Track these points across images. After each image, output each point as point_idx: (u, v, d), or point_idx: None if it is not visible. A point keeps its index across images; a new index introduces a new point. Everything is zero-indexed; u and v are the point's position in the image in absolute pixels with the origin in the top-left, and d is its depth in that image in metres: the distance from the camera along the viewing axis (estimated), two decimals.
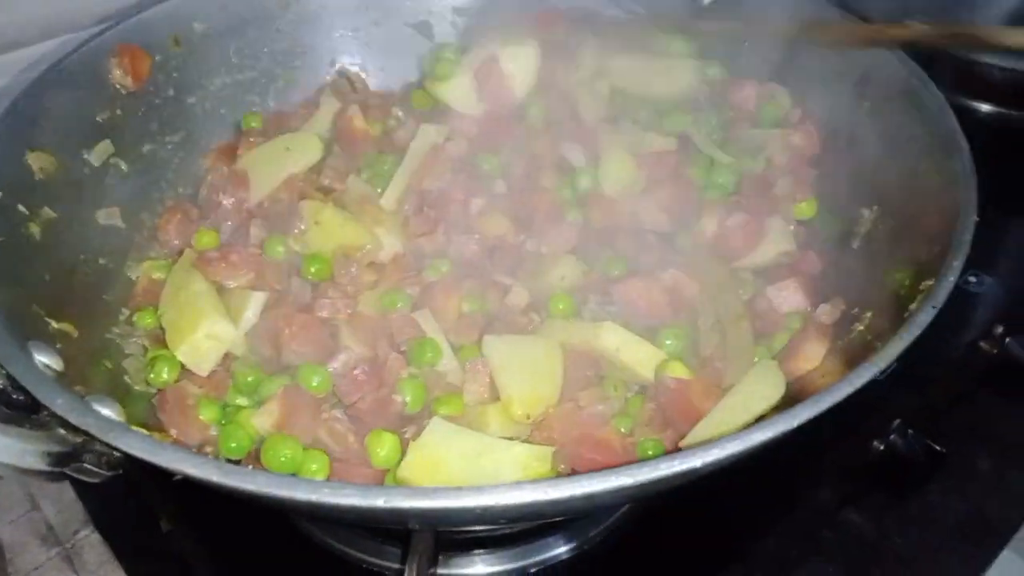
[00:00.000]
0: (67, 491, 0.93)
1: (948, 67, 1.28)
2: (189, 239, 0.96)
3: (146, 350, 0.85)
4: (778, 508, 0.88)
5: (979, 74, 1.31)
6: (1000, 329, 1.02)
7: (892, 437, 0.93)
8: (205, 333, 0.82)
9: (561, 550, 0.85)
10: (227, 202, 0.97)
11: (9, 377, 0.62)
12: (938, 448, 0.92)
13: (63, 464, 0.58)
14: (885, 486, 0.91)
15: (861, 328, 0.78)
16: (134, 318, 0.89)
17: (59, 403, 0.58)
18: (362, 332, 0.83)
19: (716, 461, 0.55)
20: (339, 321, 0.85)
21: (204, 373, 0.83)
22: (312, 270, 0.90)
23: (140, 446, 0.55)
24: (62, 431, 0.58)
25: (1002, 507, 0.88)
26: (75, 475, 0.59)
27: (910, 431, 0.93)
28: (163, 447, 0.55)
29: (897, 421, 0.93)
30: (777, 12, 1.05)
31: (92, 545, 0.89)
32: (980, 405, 0.98)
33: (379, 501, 0.52)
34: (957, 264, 0.68)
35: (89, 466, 0.59)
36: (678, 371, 0.77)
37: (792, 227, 0.92)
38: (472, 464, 0.69)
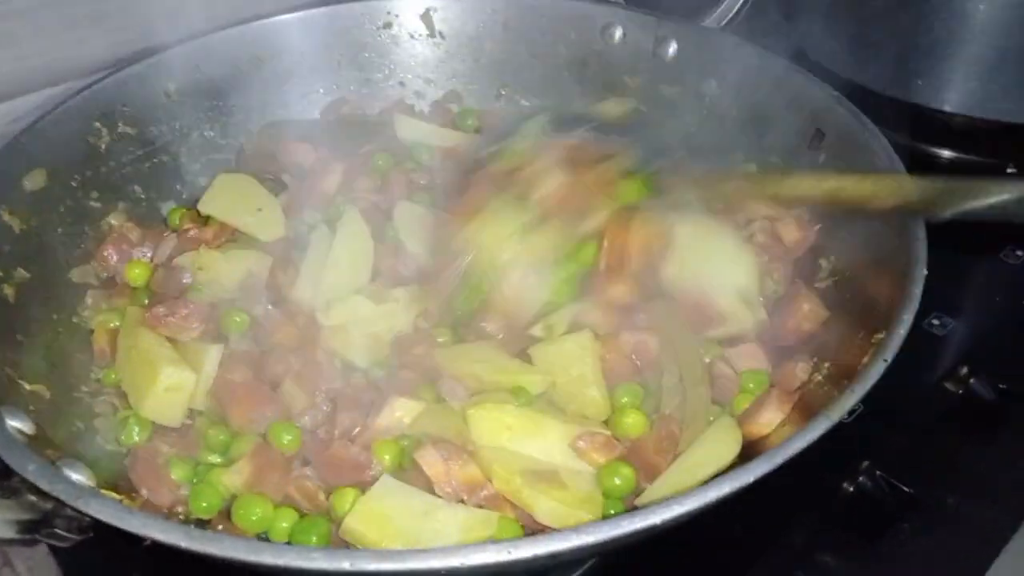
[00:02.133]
0: (40, 548, 0.93)
1: (908, 115, 1.34)
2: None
3: (115, 409, 0.86)
4: (751, 552, 0.88)
5: (939, 121, 1.35)
6: (965, 369, 1.04)
7: (861, 479, 0.94)
8: (165, 386, 0.82)
9: None
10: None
11: None
12: (906, 489, 0.93)
13: (34, 531, 0.59)
14: (856, 527, 0.92)
15: (819, 378, 0.81)
16: (102, 376, 0.89)
17: (31, 470, 0.59)
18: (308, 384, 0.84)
19: (675, 517, 0.57)
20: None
21: (175, 424, 0.83)
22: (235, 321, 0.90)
23: (109, 512, 0.56)
24: (32, 497, 0.59)
25: (971, 545, 0.89)
26: (46, 540, 0.60)
27: (878, 472, 0.94)
28: (131, 513, 0.56)
29: (866, 463, 0.95)
30: (740, 68, 1.11)
31: None
32: (947, 445, 0.99)
33: (344, 564, 0.53)
34: (907, 318, 0.71)
35: (60, 531, 0.60)
36: (636, 427, 0.79)
37: (762, 298, 0.93)
38: (418, 523, 0.69)
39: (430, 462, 0.74)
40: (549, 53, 1.25)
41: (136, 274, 0.96)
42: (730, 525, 0.84)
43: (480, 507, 0.74)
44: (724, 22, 1.28)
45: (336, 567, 0.53)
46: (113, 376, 0.87)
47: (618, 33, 1.20)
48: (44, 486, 0.58)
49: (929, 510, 0.91)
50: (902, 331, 0.69)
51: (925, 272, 0.75)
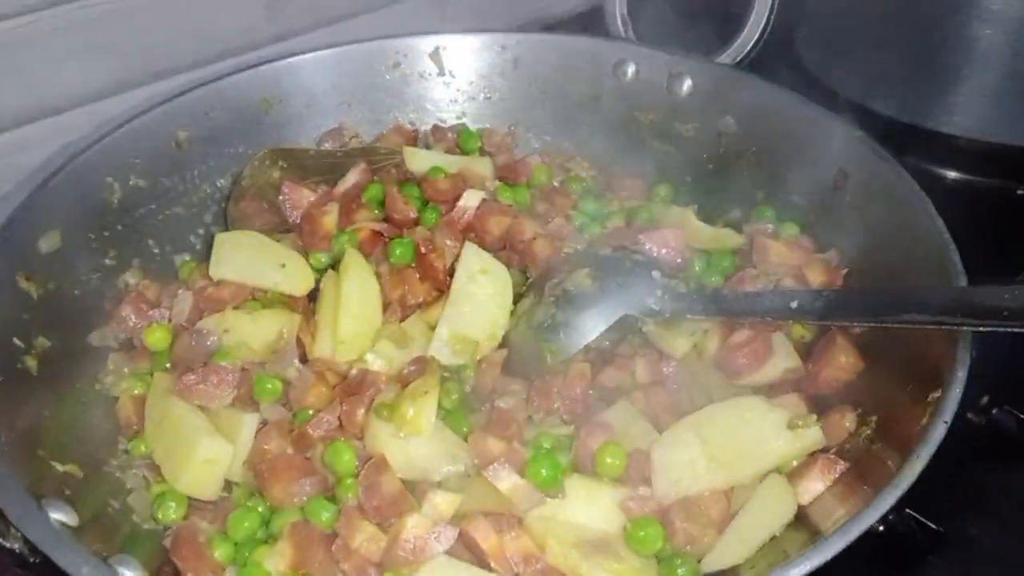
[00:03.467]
0: None
1: (914, 137, 1.35)
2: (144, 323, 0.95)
3: (147, 482, 0.83)
4: None
5: (949, 144, 1.36)
6: (986, 399, 1.05)
7: (891, 517, 0.94)
8: (203, 459, 0.80)
9: None
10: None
11: (24, 539, 0.60)
12: (933, 527, 0.93)
13: None
14: (890, 564, 0.91)
15: (868, 432, 0.80)
16: (129, 446, 0.86)
17: (85, 572, 0.57)
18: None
19: None
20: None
21: (212, 498, 0.81)
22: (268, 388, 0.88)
23: None
24: None
25: None
26: None
27: (907, 510, 0.94)
28: None
29: None
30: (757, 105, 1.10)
31: None
32: (972, 478, 0.99)
33: None
34: (961, 375, 0.70)
35: None
36: None
37: (791, 342, 0.92)
38: None
39: (484, 535, 0.72)
40: (560, 90, 1.24)
41: (157, 338, 0.93)
42: None
43: None
44: (739, 58, 1.28)
45: None
46: (143, 448, 0.85)
47: (631, 70, 1.20)
48: None
49: (957, 545, 0.91)
50: (958, 390, 0.69)
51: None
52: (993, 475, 1.00)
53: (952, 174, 1.40)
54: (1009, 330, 0.68)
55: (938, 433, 0.66)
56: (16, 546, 0.60)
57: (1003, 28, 1.28)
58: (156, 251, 1.05)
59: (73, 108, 1.22)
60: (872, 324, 0.85)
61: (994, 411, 1.03)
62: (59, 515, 0.65)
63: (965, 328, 0.73)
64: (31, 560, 0.60)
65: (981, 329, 0.72)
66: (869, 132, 1.04)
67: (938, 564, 0.91)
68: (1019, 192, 1.38)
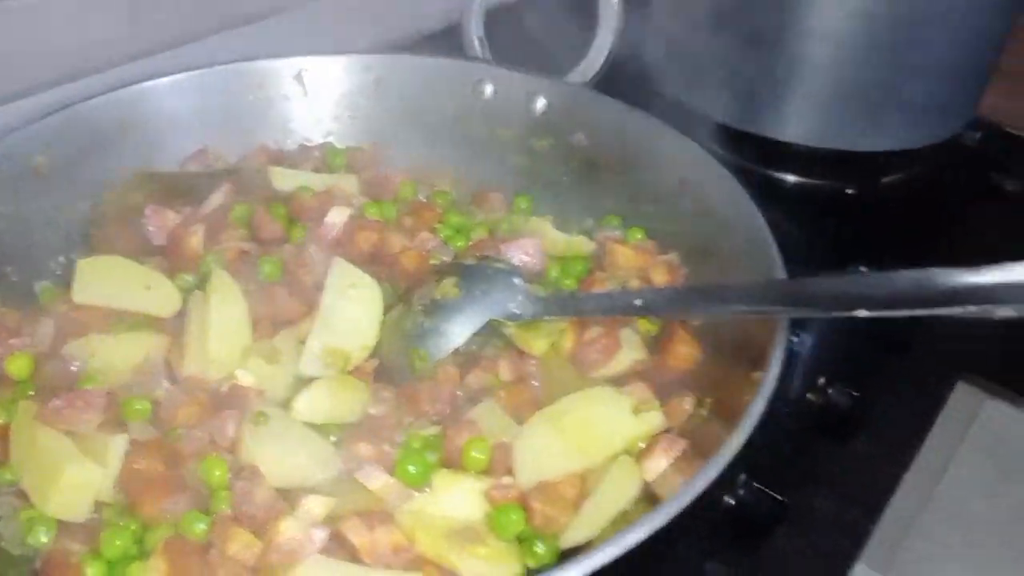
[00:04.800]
0: None
1: (758, 146, 1.47)
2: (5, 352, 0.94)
3: (14, 509, 0.82)
4: (646, 567, 0.94)
5: (784, 150, 1.49)
6: (823, 380, 1.16)
7: (740, 491, 1.03)
8: (70, 483, 0.80)
9: None
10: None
11: None
12: (779, 498, 1.02)
13: None
14: (739, 536, 0.99)
15: (704, 413, 0.88)
16: None
17: None
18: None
19: (607, 561, 0.63)
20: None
21: (82, 520, 0.81)
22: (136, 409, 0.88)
23: None
24: None
25: (839, 543, 0.97)
26: None
27: (754, 484, 1.03)
28: None
29: (743, 476, 1.03)
30: (604, 120, 1.18)
31: None
32: (813, 452, 1.08)
33: None
34: (779, 356, 0.79)
35: None
36: None
37: (637, 336, 1.00)
38: None
39: (356, 532, 0.76)
40: (423, 109, 1.29)
41: (18, 366, 0.92)
42: None
43: (407, 570, 0.76)
44: (590, 76, 1.36)
45: None
46: (8, 476, 0.84)
47: (489, 89, 1.26)
48: None
49: (800, 514, 1.00)
50: (776, 370, 0.78)
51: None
52: (831, 449, 1.10)
53: (791, 178, 1.53)
54: (819, 315, 0.78)
55: (759, 407, 0.74)
56: None
57: (826, 45, 1.41)
58: (15, 279, 1.03)
59: None
60: (704, 316, 0.94)
61: (830, 390, 1.14)
62: None
63: (781, 315, 0.82)
64: None
65: (795, 315, 0.82)
66: (716, 142, 1.13)
67: (785, 532, 0.99)
68: (848, 191, 1.52)
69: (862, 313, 0.73)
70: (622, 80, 1.45)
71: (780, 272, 0.89)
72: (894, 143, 1.51)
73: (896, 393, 1.15)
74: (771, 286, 0.87)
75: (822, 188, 1.54)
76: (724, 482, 1.01)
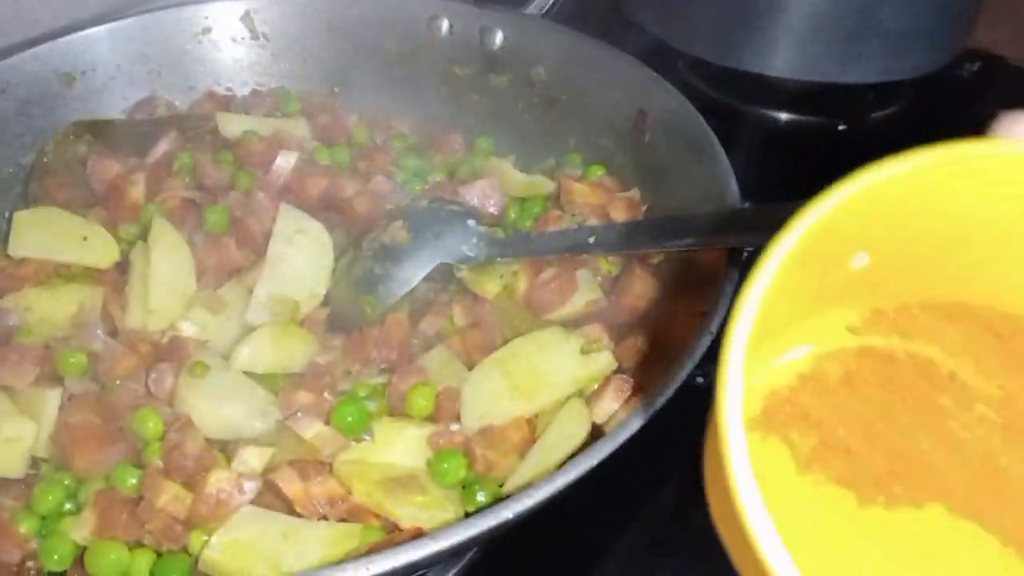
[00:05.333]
0: None
1: (748, 81, 1.41)
2: None
3: None
4: (626, 513, 0.91)
5: (775, 86, 1.42)
6: None
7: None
8: (4, 438, 0.78)
9: None
10: None
11: None
12: None
13: None
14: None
15: (658, 352, 0.85)
16: None
17: None
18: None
19: (526, 511, 0.60)
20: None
21: (18, 476, 0.79)
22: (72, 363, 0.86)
23: None
24: None
25: None
26: None
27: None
28: None
29: None
30: (563, 54, 1.13)
31: None
32: None
33: None
34: (729, 290, 0.76)
35: None
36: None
37: (599, 277, 0.96)
38: (279, 545, 0.69)
39: (288, 482, 0.73)
40: (377, 50, 1.24)
41: None
42: (606, 493, 0.87)
43: (343, 520, 0.74)
44: (546, 7, 1.31)
45: None
46: None
47: (444, 25, 1.21)
48: None
49: None
50: (725, 304, 0.74)
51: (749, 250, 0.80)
52: None
53: (784, 116, 1.48)
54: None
55: (704, 343, 0.71)
56: None
57: None
58: None
59: None
60: (659, 249, 0.91)
61: None
62: None
63: (734, 245, 0.79)
64: None
65: (748, 246, 0.78)
66: (699, 79, 1.07)
67: None
68: (840, 127, 1.47)
69: None
70: (592, 12, 1.39)
71: (736, 201, 0.85)
72: (879, 74, 1.45)
73: None
74: (727, 215, 0.83)
75: (811, 125, 1.49)
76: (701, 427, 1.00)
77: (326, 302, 0.97)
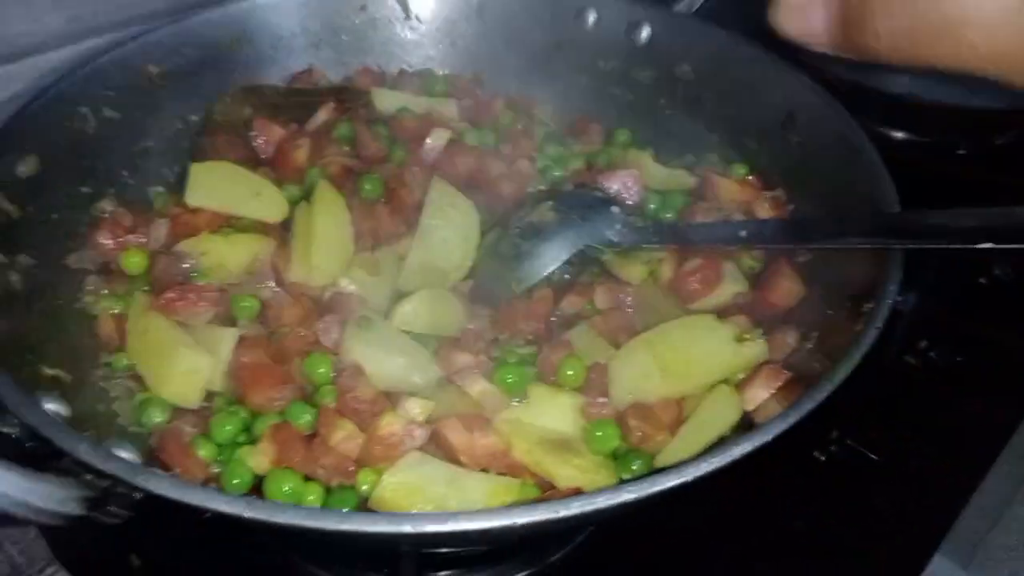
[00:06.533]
0: (30, 530, 0.92)
1: (865, 98, 1.40)
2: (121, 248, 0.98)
3: (131, 392, 0.86)
4: (736, 521, 0.94)
5: (892, 104, 1.42)
6: (924, 343, 1.12)
7: (832, 448, 1.01)
8: (183, 369, 0.84)
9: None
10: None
11: (22, 426, 0.64)
12: (873, 456, 1.01)
13: (96, 509, 0.60)
14: (829, 491, 0.98)
15: (809, 347, 0.86)
16: (111, 360, 0.89)
17: (83, 449, 0.60)
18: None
19: (692, 479, 0.62)
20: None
21: (193, 406, 0.85)
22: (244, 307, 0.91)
23: (170, 488, 0.58)
24: (89, 476, 0.60)
25: (932, 508, 0.96)
26: (101, 518, 0.61)
27: (847, 441, 1.01)
28: (193, 488, 0.59)
29: (835, 433, 1.01)
30: (712, 53, 1.15)
31: None
32: (907, 413, 1.06)
33: (406, 527, 0.57)
34: (893, 288, 0.77)
35: (114, 508, 0.61)
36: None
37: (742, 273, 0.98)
38: (445, 490, 0.73)
39: (455, 432, 0.77)
40: (524, 38, 1.27)
41: (134, 262, 0.96)
42: (713, 500, 0.90)
43: (502, 474, 0.77)
44: (696, 6, 1.32)
45: (398, 530, 0.57)
46: (124, 361, 0.88)
47: (591, 17, 1.24)
48: (99, 465, 0.60)
49: (892, 472, 0.99)
50: (889, 300, 0.76)
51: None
52: (925, 411, 1.07)
53: (898, 134, 1.47)
54: (936, 247, 0.75)
55: (870, 336, 0.72)
56: (13, 431, 0.63)
57: None
58: (131, 182, 1.07)
59: (21, 59, 1.18)
60: (815, 248, 0.92)
61: (931, 353, 1.11)
62: (51, 405, 0.68)
63: (896, 247, 0.80)
64: (27, 444, 0.63)
65: (911, 247, 0.79)
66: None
67: (874, 490, 0.98)
68: (959, 152, 1.46)
69: (986, 245, 0.71)
70: (729, 14, 1.40)
71: (895, 205, 0.87)
72: (1006, 101, 1.43)
73: (1003, 361, 1.11)
74: (888, 218, 0.85)
75: (929, 146, 1.48)
76: (816, 438, 1.00)
77: (470, 275, 1.01)
